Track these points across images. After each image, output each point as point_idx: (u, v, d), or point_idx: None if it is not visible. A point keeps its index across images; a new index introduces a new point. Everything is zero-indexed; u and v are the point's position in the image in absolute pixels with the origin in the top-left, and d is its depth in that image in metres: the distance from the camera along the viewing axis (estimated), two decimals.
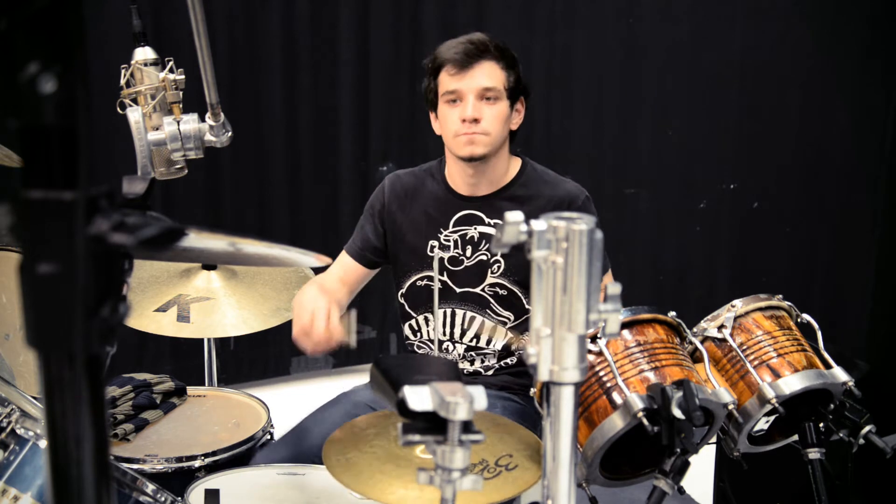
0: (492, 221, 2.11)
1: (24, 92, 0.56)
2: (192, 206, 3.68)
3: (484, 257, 2.11)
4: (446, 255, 2.13)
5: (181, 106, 1.65)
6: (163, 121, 1.63)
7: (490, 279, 2.11)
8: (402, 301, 2.21)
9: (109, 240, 0.60)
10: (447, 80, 2.04)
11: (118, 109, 1.64)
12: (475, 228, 2.12)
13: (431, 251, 2.13)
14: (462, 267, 2.12)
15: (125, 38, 1.69)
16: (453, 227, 2.13)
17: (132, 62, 1.64)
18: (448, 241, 2.13)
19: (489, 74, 2.03)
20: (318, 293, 1.97)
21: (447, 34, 3.88)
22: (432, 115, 2.14)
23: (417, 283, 2.16)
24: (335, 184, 3.93)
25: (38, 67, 0.56)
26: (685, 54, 3.94)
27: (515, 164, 2.16)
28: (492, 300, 2.11)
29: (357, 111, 3.90)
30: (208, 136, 1.65)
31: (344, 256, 2.23)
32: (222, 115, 1.64)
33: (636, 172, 4.06)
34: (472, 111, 2.02)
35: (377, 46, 3.87)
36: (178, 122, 1.62)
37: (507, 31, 3.91)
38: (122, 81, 1.65)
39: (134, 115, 1.61)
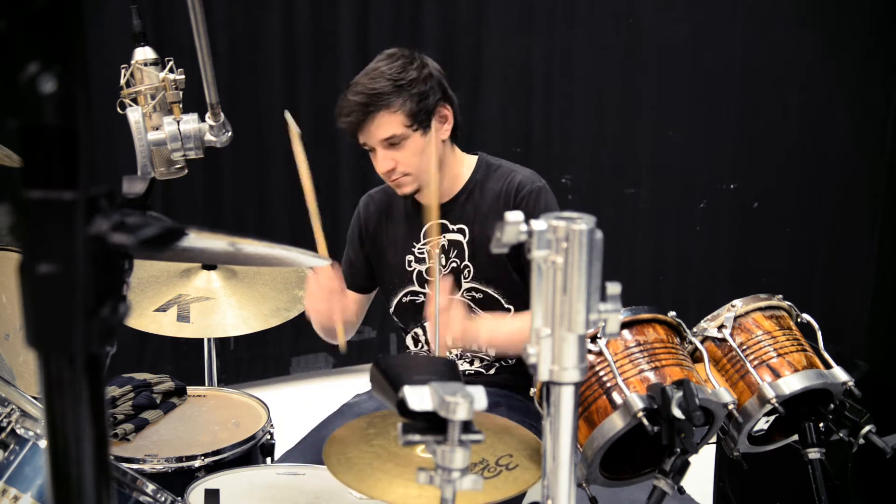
0: (455, 227, 2.09)
1: (24, 92, 0.56)
2: (192, 206, 3.69)
3: (455, 264, 2.10)
4: (423, 268, 2.11)
5: (181, 106, 1.65)
6: (163, 121, 1.63)
7: (465, 284, 2.10)
8: (395, 318, 2.22)
9: (109, 240, 0.60)
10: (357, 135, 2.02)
11: (118, 109, 1.65)
12: (444, 237, 2.10)
13: (409, 266, 2.13)
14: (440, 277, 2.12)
15: (125, 38, 1.69)
16: (424, 238, 2.11)
17: (132, 62, 1.64)
18: (422, 253, 2.11)
19: (382, 125, 1.96)
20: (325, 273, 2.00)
21: (447, 34, 3.93)
22: None
23: (403, 300, 2.16)
24: (335, 184, 3.93)
25: (38, 67, 0.56)
26: (685, 54, 3.94)
27: (471, 162, 2.13)
28: (473, 305, 2.10)
29: None
30: (208, 136, 1.65)
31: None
32: (222, 115, 1.65)
33: (636, 172, 4.06)
34: (383, 164, 1.98)
35: (377, 46, 3.86)
36: (178, 122, 1.63)
37: (507, 31, 3.92)
38: (122, 81, 1.65)
39: (134, 115, 1.61)
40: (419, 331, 2.17)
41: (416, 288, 2.13)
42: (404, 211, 2.14)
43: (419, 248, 2.12)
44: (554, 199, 2.07)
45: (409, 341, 2.22)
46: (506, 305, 2.09)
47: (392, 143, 1.97)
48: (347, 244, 2.23)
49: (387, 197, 2.18)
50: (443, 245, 2.10)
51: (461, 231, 2.09)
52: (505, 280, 2.06)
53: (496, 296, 2.08)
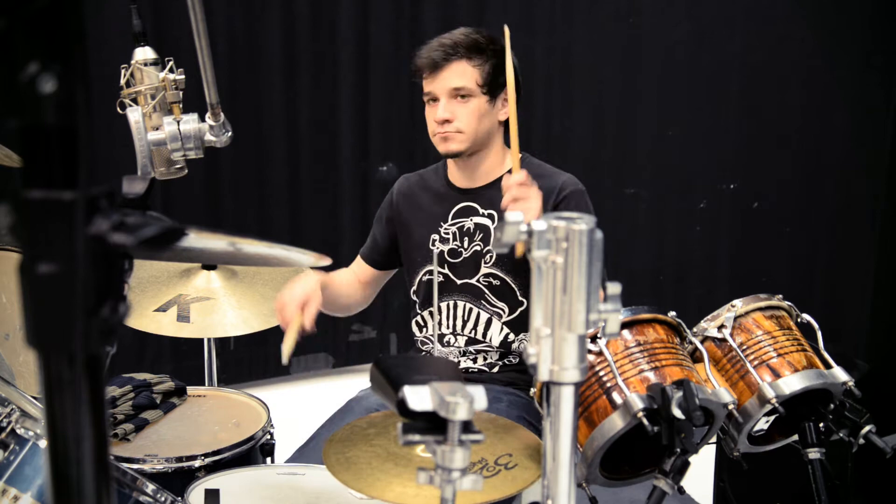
0: (485, 212, 2.14)
1: (24, 92, 0.56)
2: (192, 206, 3.69)
3: (478, 247, 2.14)
4: (446, 248, 2.16)
5: (181, 106, 1.65)
6: (163, 121, 1.63)
7: (484, 269, 2.13)
8: (414, 298, 2.24)
9: (109, 240, 0.60)
10: (424, 83, 2.10)
11: (118, 109, 1.65)
12: (471, 220, 2.15)
13: (433, 245, 2.17)
14: (461, 259, 2.16)
15: (125, 38, 1.69)
16: (452, 219, 2.17)
17: (132, 62, 1.64)
18: (448, 233, 2.16)
19: (459, 74, 2.06)
20: (311, 279, 1.97)
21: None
22: None
23: (423, 279, 2.20)
24: (335, 184, 3.94)
25: (38, 67, 0.56)
26: (685, 54, 3.94)
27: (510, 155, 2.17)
28: (486, 291, 2.14)
29: (357, 111, 3.90)
30: (208, 136, 1.65)
31: (358, 258, 2.33)
32: (222, 115, 1.65)
33: (636, 172, 4.06)
34: (443, 112, 2.06)
35: (377, 46, 3.87)
36: (178, 122, 1.62)
37: None
38: (122, 81, 1.65)
39: (134, 115, 1.61)
40: (433, 310, 2.18)
41: (436, 267, 2.16)
42: (437, 190, 2.21)
43: (445, 228, 2.16)
44: (590, 204, 2.13)
45: (413, 326, 2.25)
46: (520, 297, 2.12)
47: (460, 94, 2.06)
48: (375, 221, 2.31)
49: (421, 179, 2.26)
50: (468, 228, 2.14)
51: (490, 216, 2.14)
52: (526, 272, 2.09)
53: (513, 286, 2.12)
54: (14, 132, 0.57)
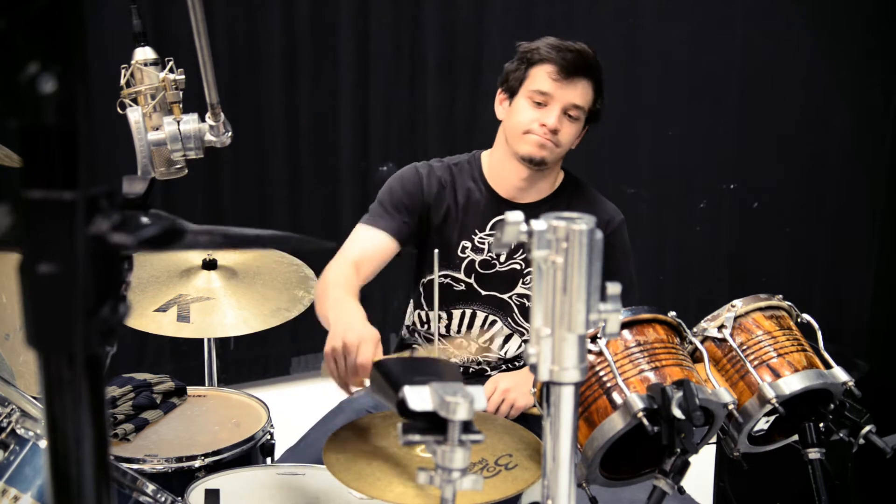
0: None
1: (24, 92, 0.56)
2: (192, 206, 3.68)
3: (518, 266, 2.08)
4: (478, 258, 2.08)
5: (181, 106, 1.65)
6: (163, 121, 1.63)
7: (520, 289, 2.09)
8: (421, 290, 2.16)
9: (109, 240, 0.60)
10: (543, 80, 2.00)
11: (118, 109, 1.64)
12: None
13: (462, 252, 2.09)
14: (493, 271, 2.09)
15: (125, 38, 1.68)
16: (491, 229, 2.09)
17: (132, 62, 1.64)
18: (483, 243, 2.09)
19: (583, 94, 2.04)
20: (363, 321, 1.76)
21: (447, 35, 3.92)
22: (502, 96, 2.08)
23: (430, 281, 2.12)
24: (335, 184, 3.93)
25: (38, 67, 0.55)
26: (685, 54, 3.93)
27: (560, 176, 2.17)
28: (516, 309, 2.09)
29: (357, 111, 3.90)
30: (208, 136, 1.64)
31: (379, 234, 2.04)
32: (222, 115, 1.64)
33: (636, 172, 4.06)
34: (556, 122, 2.00)
35: (377, 46, 3.87)
36: (178, 122, 1.62)
37: (506, 31, 3.91)
38: (122, 81, 1.65)
39: (134, 115, 1.61)
40: (442, 314, 2.13)
41: (461, 276, 2.10)
42: (473, 193, 2.10)
43: (480, 238, 2.09)
44: (626, 233, 2.17)
45: (415, 317, 2.20)
46: None
47: (572, 114, 2.03)
48: (393, 196, 2.08)
49: (450, 175, 2.13)
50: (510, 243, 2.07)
51: (497, 226, 2.08)
52: None
53: None
54: (14, 132, 0.57)
